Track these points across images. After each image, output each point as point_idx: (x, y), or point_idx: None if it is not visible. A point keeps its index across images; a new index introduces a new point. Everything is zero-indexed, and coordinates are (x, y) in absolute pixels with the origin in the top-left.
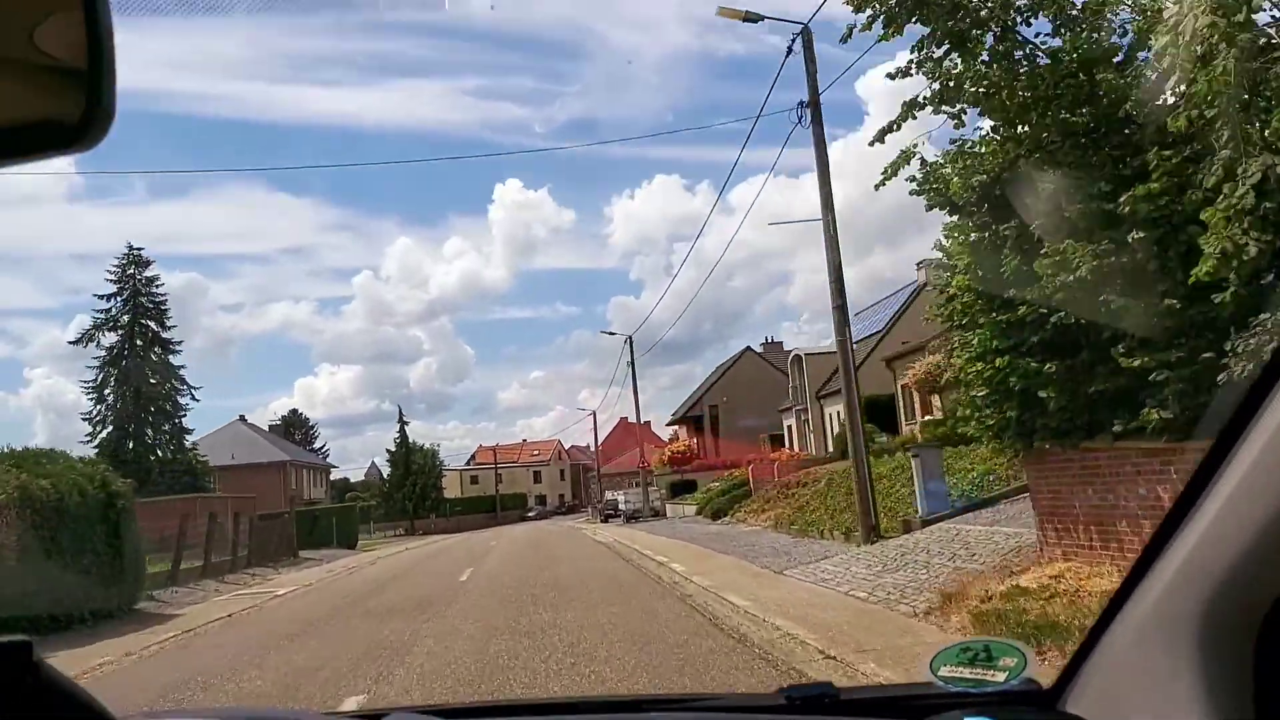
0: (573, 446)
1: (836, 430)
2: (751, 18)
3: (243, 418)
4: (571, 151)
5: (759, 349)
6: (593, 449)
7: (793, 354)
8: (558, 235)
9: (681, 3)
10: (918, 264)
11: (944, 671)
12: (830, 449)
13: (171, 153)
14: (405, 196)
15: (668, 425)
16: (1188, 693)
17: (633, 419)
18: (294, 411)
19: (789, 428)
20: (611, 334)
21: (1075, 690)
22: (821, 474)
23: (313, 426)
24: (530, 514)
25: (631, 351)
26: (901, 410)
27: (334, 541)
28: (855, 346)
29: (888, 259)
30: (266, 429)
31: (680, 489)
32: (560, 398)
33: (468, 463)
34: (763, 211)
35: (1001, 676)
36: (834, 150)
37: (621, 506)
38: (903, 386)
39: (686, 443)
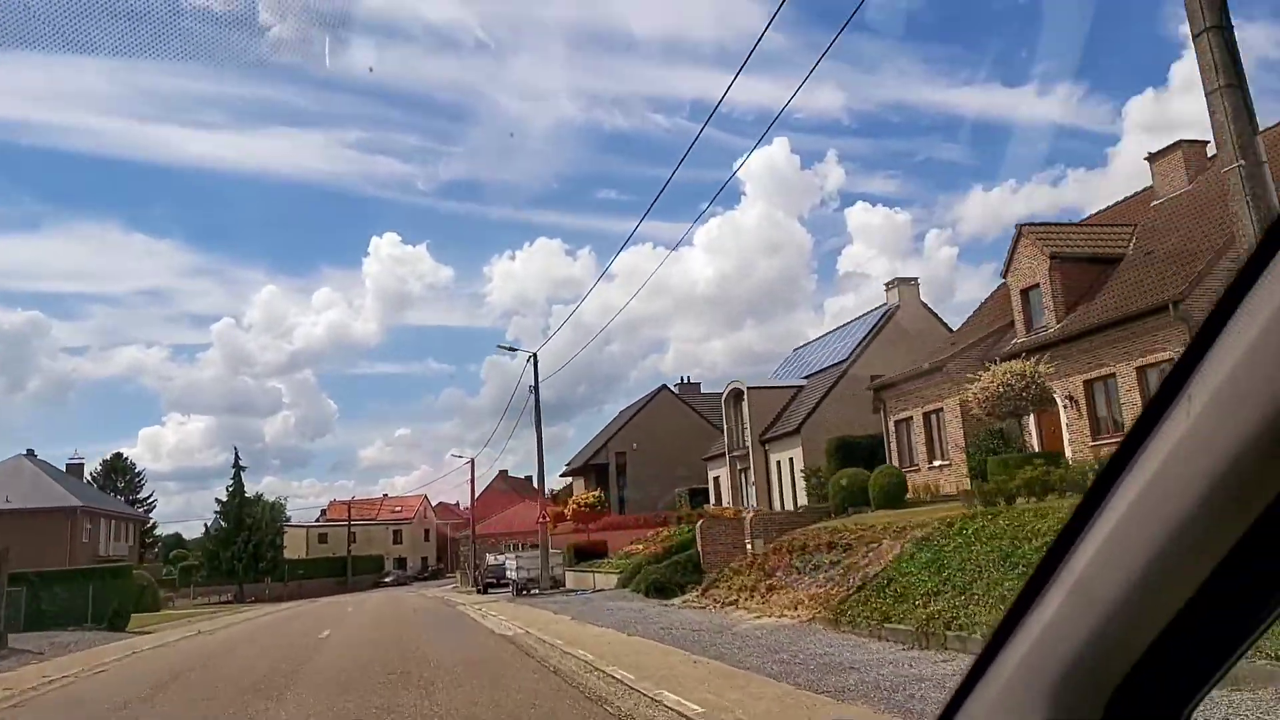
0: (440, 504)
1: (792, 478)
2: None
3: (31, 452)
4: (453, 209)
5: (674, 389)
6: (464, 506)
7: (730, 388)
8: (434, 292)
9: (570, 78)
10: (886, 284)
11: None
12: (785, 503)
13: (22, 185)
14: (276, 244)
15: (562, 476)
16: None
17: (514, 473)
18: (119, 455)
19: (715, 479)
20: (513, 349)
21: None
22: (850, 531)
23: (139, 474)
24: (387, 579)
25: (535, 374)
26: (892, 452)
27: (89, 617)
28: (812, 379)
29: (758, 333)
30: (64, 469)
31: (586, 554)
32: (426, 457)
33: (318, 519)
34: (637, 276)
35: None
36: (710, 227)
37: (510, 574)
38: (921, 414)
39: (596, 494)
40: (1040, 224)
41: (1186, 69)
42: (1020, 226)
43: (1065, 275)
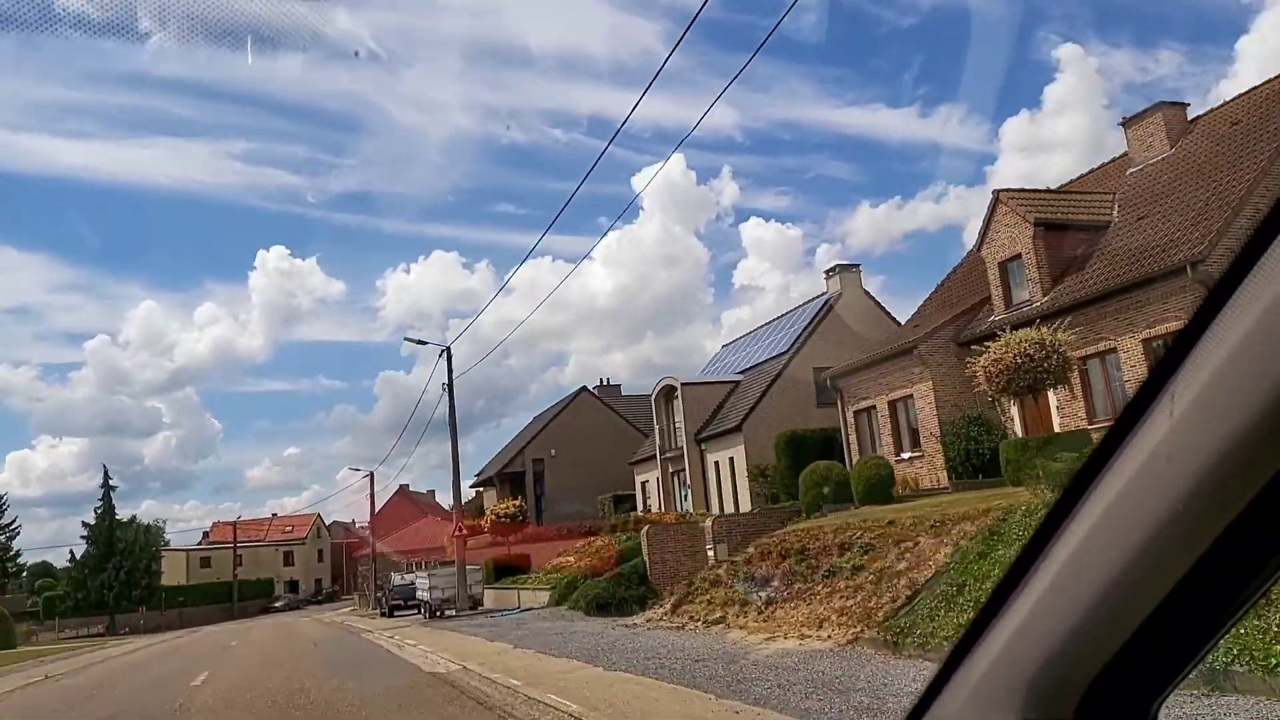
0: (334, 523)
1: (733, 479)
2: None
3: None
4: (345, 222)
5: (594, 391)
6: (360, 524)
7: (661, 384)
8: (324, 306)
9: (465, 91)
10: (826, 272)
11: None
12: (725, 505)
13: None
14: (155, 258)
15: (472, 487)
16: None
17: (416, 488)
18: None
19: (644, 484)
20: (423, 342)
21: None
22: (860, 529)
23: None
24: (278, 604)
25: (450, 369)
26: (851, 445)
27: None
28: (748, 375)
29: (657, 345)
30: None
31: (507, 569)
32: (317, 476)
33: (200, 542)
34: (537, 289)
35: None
36: (609, 241)
37: (422, 594)
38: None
39: (516, 504)
40: (1019, 190)
41: (1059, 91)
42: (998, 193)
43: (1050, 244)
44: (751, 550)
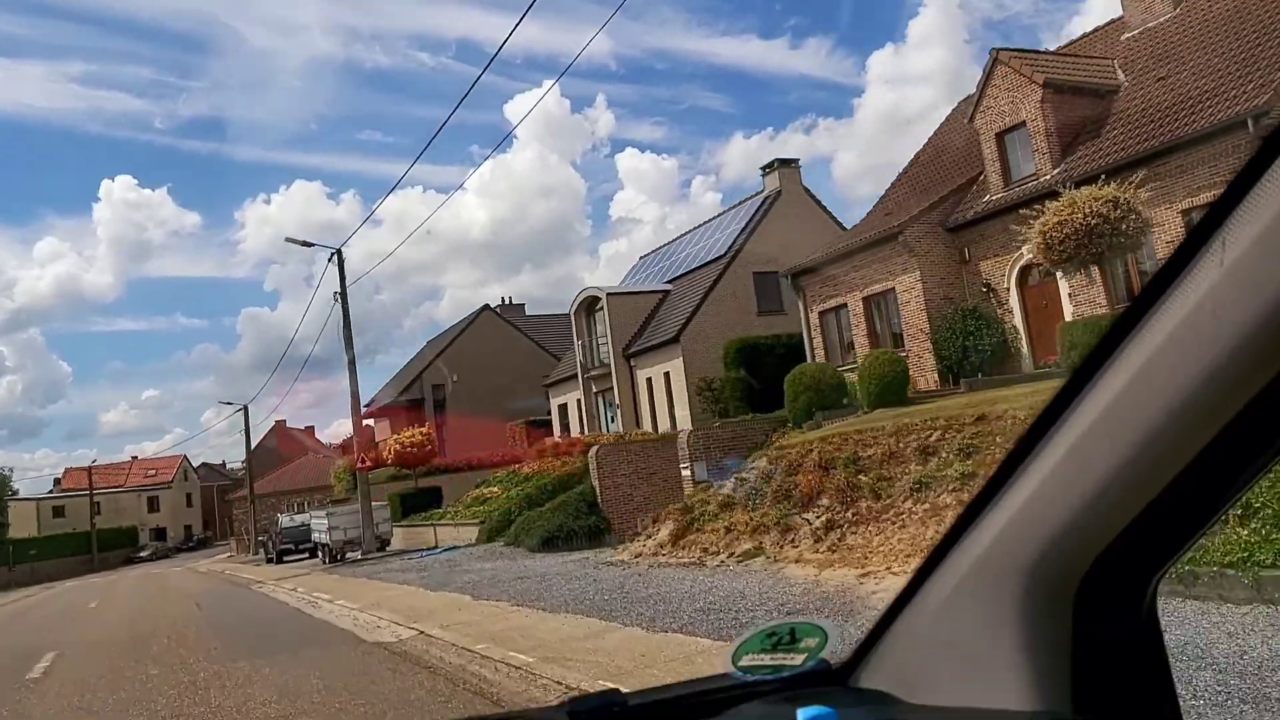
0: (203, 465)
1: (668, 395)
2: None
3: None
4: (197, 150)
5: (497, 310)
6: (233, 465)
7: (582, 296)
8: (178, 239)
9: (325, 11)
10: (764, 168)
11: (745, 661)
12: (660, 425)
13: None
14: None
15: (366, 418)
16: (1002, 655)
17: (293, 425)
18: None
19: (562, 407)
20: (309, 244)
21: (873, 662)
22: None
23: None
24: (144, 553)
25: (342, 274)
26: (816, 350)
27: None
28: (678, 283)
29: (535, 278)
30: None
31: (416, 504)
32: (180, 419)
33: (51, 490)
34: (406, 220)
35: (800, 659)
36: (483, 171)
37: (321, 536)
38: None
39: (424, 431)
40: (1021, 50)
41: (922, 25)
42: (996, 52)
43: (1058, 108)
44: (762, 464)
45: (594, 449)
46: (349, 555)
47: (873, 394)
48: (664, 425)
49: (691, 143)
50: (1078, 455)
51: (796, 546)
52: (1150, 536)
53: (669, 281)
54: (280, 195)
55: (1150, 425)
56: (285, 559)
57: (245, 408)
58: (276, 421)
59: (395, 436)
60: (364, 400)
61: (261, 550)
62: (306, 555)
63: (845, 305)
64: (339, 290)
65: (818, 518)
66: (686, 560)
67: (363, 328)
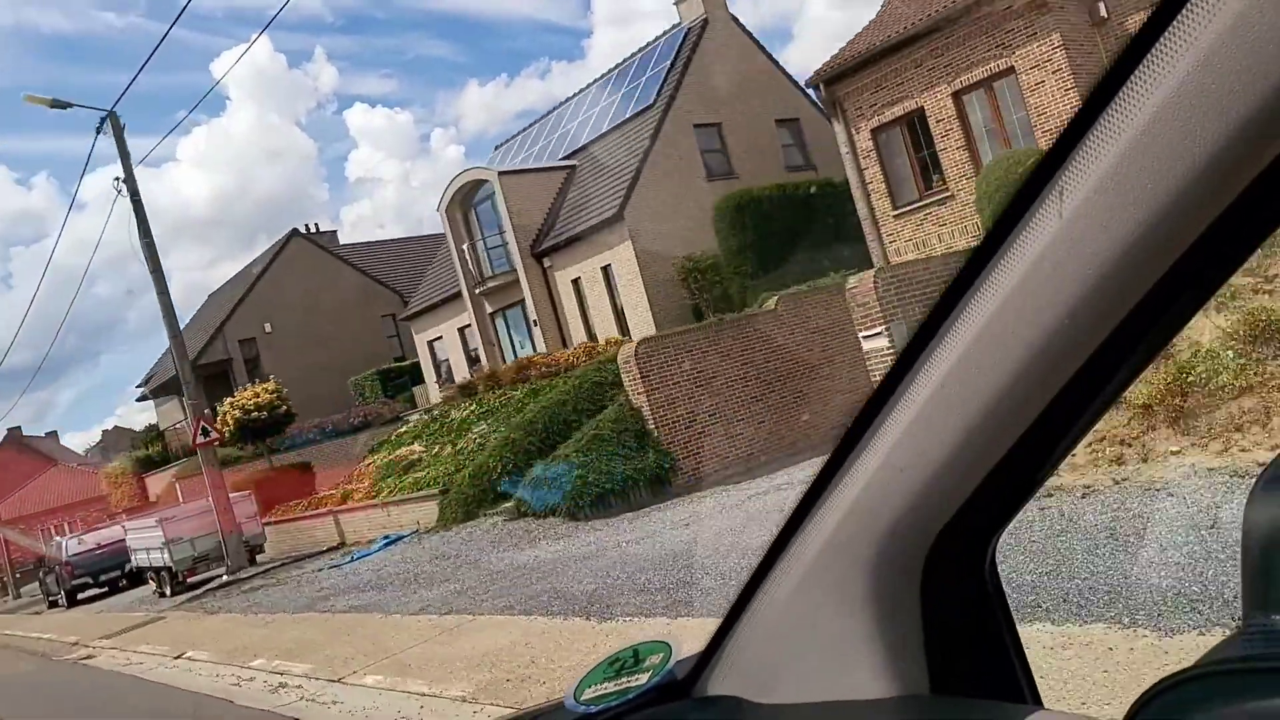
0: None
1: (611, 295)
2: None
3: None
4: None
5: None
6: None
7: (459, 182)
8: None
9: None
10: None
11: (586, 695)
12: (601, 332)
13: None
14: None
15: (140, 401)
16: (854, 644)
17: (31, 432)
18: None
19: (435, 343)
20: (66, 105)
21: (720, 666)
22: None
23: None
24: None
25: (122, 144)
26: (873, 188)
27: None
28: (583, 157)
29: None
30: None
31: (281, 488)
32: None
33: None
34: (119, 204)
35: (645, 678)
36: (198, 140)
37: (150, 557)
38: None
39: (271, 390)
40: None
41: None
42: None
43: None
44: None
45: (626, 350)
46: (203, 578)
47: None
48: (608, 332)
49: (425, 94)
50: (917, 429)
51: None
52: (989, 503)
53: (567, 156)
54: None
55: (989, 393)
56: (75, 601)
57: None
58: (9, 430)
59: (233, 400)
60: (140, 379)
61: (41, 591)
62: (109, 590)
63: (923, 110)
64: (121, 176)
65: None
66: None
67: (79, 326)
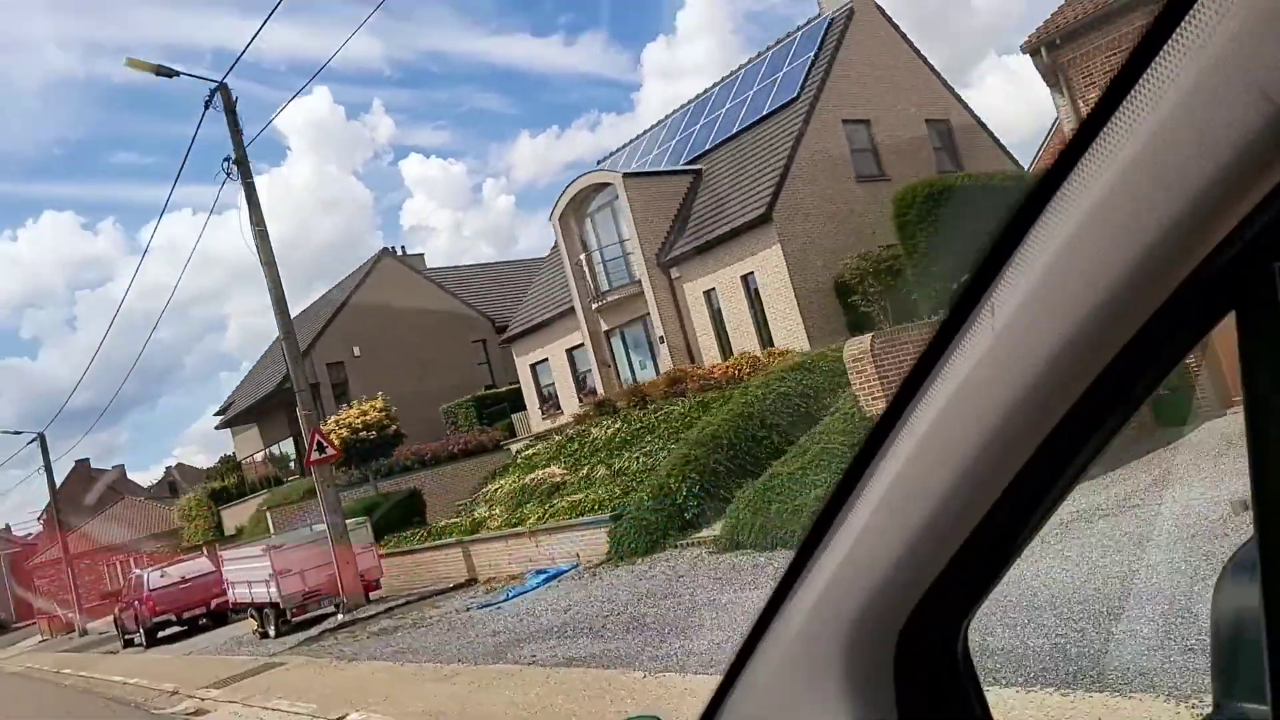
0: None
1: (756, 306)
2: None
3: None
4: None
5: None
6: (21, 528)
7: (576, 187)
8: None
9: (60, 24)
10: None
11: None
12: (731, 348)
13: None
14: None
15: (219, 429)
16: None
17: (98, 466)
18: None
19: (535, 366)
20: (173, 73)
21: None
22: None
23: None
24: None
25: (232, 115)
26: None
27: None
28: (711, 159)
29: None
30: None
31: (391, 517)
32: None
33: None
34: (178, 247)
35: None
36: (261, 187)
37: (253, 591)
38: None
39: (380, 409)
40: None
41: (691, 17)
42: None
43: None
44: None
45: (857, 346)
46: (312, 616)
47: None
48: (746, 345)
49: (478, 146)
50: (879, 519)
51: None
52: (956, 586)
53: (693, 161)
54: (27, 230)
55: (939, 491)
56: (153, 641)
57: (41, 436)
58: (77, 462)
59: (339, 418)
60: (218, 406)
61: (115, 628)
62: (189, 629)
63: None
64: (231, 157)
65: None
66: None
67: (140, 369)
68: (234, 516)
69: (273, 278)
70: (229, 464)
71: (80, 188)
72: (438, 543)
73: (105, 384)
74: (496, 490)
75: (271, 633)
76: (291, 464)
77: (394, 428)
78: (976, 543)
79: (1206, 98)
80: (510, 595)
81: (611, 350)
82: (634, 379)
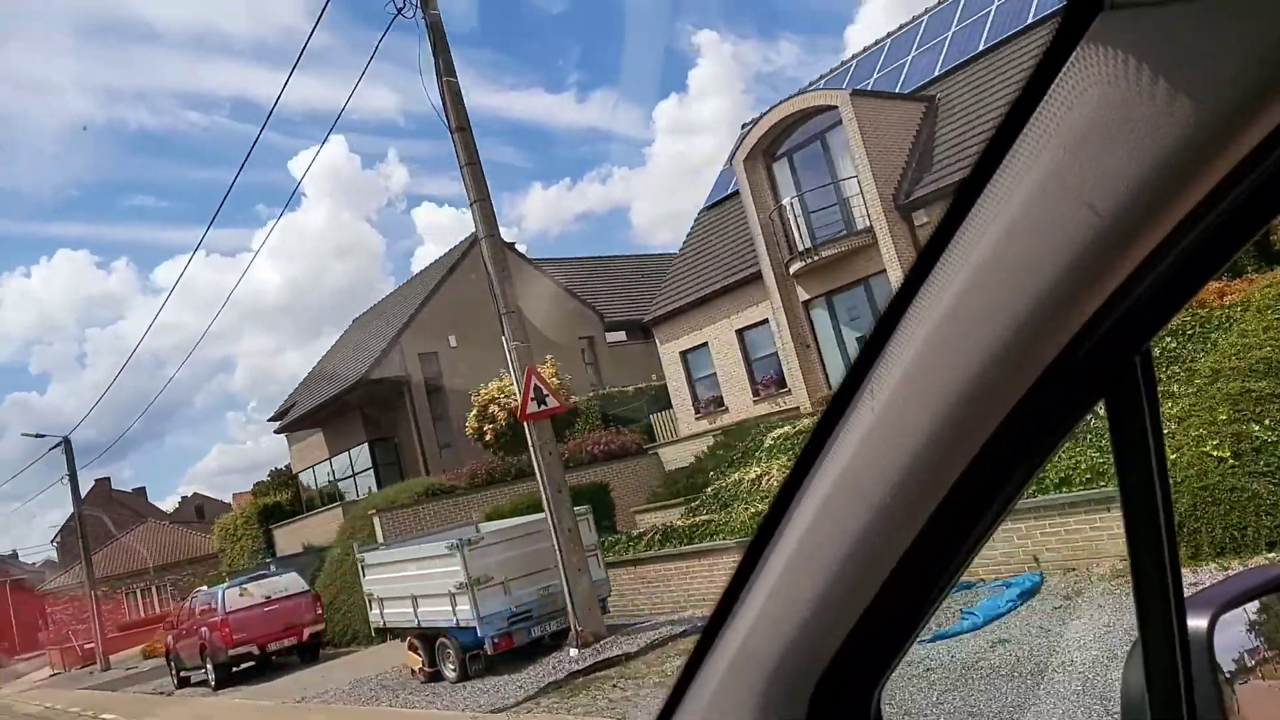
0: None
1: None
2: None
3: None
4: None
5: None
6: (27, 556)
7: (774, 114)
8: None
9: (80, 69)
10: None
11: None
12: None
13: None
14: None
15: (277, 433)
16: None
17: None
18: None
19: (686, 355)
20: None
21: None
22: None
23: None
24: None
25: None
26: None
27: None
28: (942, 87)
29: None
30: None
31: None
32: None
33: None
34: (192, 290)
35: None
36: (275, 231)
37: (423, 611)
38: None
39: (554, 372)
40: None
41: (702, 76)
42: None
43: None
44: None
45: None
46: (517, 648)
47: None
48: None
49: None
50: (784, 584)
51: None
52: (866, 653)
53: (923, 86)
54: (41, 268)
55: (841, 555)
56: (227, 680)
57: (67, 440)
58: (97, 481)
59: (500, 386)
60: (275, 409)
61: (168, 663)
62: (263, 665)
63: None
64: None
65: None
66: None
67: (150, 409)
68: (292, 535)
69: (466, 141)
70: (281, 477)
71: (95, 228)
72: (689, 548)
73: (110, 421)
74: (737, 485)
75: (450, 674)
76: (356, 479)
77: (572, 398)
78: (877, 611)
79: (1040, 210)
80: (985, 617)
81: (812, 325)
82: (846, 363)
